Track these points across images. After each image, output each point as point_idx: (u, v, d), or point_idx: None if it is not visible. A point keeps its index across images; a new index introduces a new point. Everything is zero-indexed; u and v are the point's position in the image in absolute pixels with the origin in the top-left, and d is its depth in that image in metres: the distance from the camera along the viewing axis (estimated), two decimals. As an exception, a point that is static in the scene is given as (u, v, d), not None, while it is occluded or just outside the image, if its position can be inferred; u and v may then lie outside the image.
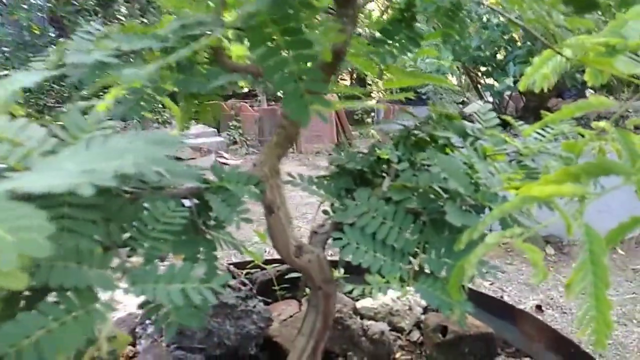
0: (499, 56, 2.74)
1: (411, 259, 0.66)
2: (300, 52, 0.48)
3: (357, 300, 1.13)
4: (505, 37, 2.61)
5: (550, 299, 1.89)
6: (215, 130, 5.38)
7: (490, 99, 3.17)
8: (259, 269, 1.18)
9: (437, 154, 0.72)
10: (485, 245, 0.58)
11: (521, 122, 0.90)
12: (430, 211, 0.71)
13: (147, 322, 0.87)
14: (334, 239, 0.66)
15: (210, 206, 0.63)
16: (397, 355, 0.96)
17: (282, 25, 0.48)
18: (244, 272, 1.15)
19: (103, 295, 0.44)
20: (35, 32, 5.00)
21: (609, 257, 2.32)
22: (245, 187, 0.63)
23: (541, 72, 0.93)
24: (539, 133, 0.87)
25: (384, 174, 0.83)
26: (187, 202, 0.63)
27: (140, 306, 0.48)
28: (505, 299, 1.86)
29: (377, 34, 0.77)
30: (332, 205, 0.78)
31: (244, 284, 0.93)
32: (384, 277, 0.64)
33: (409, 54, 0.77)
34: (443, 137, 0.87)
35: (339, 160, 0.84)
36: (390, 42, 0.76)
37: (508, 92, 2.79)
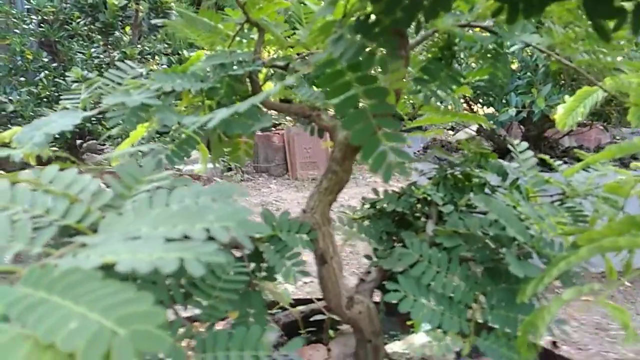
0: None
1: (470, 312, 0.63)
2: (376, 101, 0.46)
3: (386, 344, 1.08)
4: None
5: (565, 334, 1.85)
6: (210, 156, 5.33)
7: (487, 128, 3.17)
8: (280, 310, 1.13)
9: (489, 199, 0.70)
10: (561, 300, 0.55)
11: (559, 162, 0.89)
12: (483, 259, 0.68)
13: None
14: (389, 291, 0.63)
15: (261, 258, 0.59)
16: (435, 404, 0.91)
17: (358, 72, 0.46)
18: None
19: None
20: (28, 57, 4.96)
21: (616, 290, 2.31)
22: (297, 235, 0.60)
23: (578, 111, 0.93)
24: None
25: (423, 215, 0.81)
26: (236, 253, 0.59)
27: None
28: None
29: (418, 74, 0.75)
30: (375, 250, 0.75)
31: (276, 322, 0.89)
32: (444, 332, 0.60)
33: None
34: (481, 177, 0.85)
35: (377, 202, 0.81)
36: (432, 81, 0.74)
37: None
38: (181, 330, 0.42)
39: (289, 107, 0.70)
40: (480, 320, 0.64)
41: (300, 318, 1.10)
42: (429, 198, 0.82)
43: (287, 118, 7.76)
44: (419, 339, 1.06)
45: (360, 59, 0.47)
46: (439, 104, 0.90)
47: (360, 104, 0.45)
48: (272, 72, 0.78)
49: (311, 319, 1.11)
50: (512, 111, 2.49)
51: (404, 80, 0.62)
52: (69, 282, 0.27)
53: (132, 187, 0.48)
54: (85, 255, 0.31)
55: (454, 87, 0.74)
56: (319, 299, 1.19)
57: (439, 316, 0.61)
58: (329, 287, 0.63)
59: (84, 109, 0.70)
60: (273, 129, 6.37)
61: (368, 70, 0.47)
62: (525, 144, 0.91)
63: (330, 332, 1.15)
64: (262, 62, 0.71)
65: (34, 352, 0.24)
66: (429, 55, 0.77)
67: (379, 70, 0.56)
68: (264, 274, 0.59)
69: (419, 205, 0.82)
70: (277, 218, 0.61)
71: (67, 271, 0.28)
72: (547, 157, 0.89)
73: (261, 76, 0.79)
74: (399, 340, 1.11)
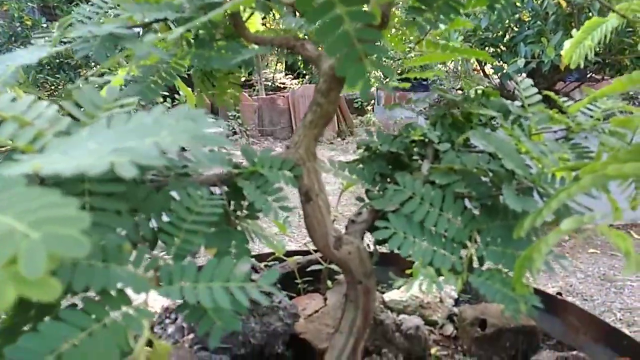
0: (507, 37, 2.67)
1: (465, 248, 0.60)
2: (354, 9, 0.41)
3: (384, 292, 1.06)
4: (514, 17, 2.54)
5: (570, 286, 1.83)
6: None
7: (496, 82, 3.09)
8: (277, 262, 1.12)
9: (487, 133, 0.66)
10: (559, 231, 0.51)
11: (565, 99, 0.84)
12: (480, 196, 0.65)
13: (167, 321, 0.81)
14: (378, 229, 0.59)
15: (241, 194, 0.56)
16: (433, 350, 0.90)
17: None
18: (263, 265, 1.09)
19: (135, 299, 0.37)
20: (27, 23, 4.88)
21: (625, 241, 2.27)
22: (279, 171, 0.57)
23: (586, 44, 0.87)
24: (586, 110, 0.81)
25: (420, 157, 0.77)
26: (216, 190, 0.56)
27: (179, 309, 0.41)
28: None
29: (412, 2, 0.69)
30: (367, 191, 0.72)
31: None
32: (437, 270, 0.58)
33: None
34: (483, 116, 0.80)
35: (371, 143, 0.77)
36: (428, 9, 0.68)
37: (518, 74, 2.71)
38: (145, 261, 0.39)
39: (272, 39, 0.66)
40: (475, 258, 0.61)
41: (296, 269, 1.08)
42: (425, 140, 0.78)
43: (294, 81, 7.62)
44: (416, 287, 1.04)
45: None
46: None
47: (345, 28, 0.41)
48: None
49: (308, 269, 1.09)
50: (521, 62, 2.40)
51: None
52: (-16, 187, 0.24)
53: (93, 115, 0.45)
54: (16, 165, 0.28)
55: (452, 16, 0.68)
56: (315, 251, 1.17)
57: (430, 253, 0.58)
58: (315, 226, 0.60)
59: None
60: (278, 92, 6.29)
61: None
62: (529, 81, 0.85)
63: (329, 282, 1.14)
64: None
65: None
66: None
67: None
68: (245, 212, 0.56)
69: (415, 147, 0.78)
70: (257, 154, 0.57)
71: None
72: (552, 93, 0.84)
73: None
74: (397, 289, 1.09)
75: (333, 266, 1.10)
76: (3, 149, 0.41)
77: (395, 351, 0.85)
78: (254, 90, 6.04)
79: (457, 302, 1.04)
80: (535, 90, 0.83)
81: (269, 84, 6.71)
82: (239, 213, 0.57)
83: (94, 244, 0.37)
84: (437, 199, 0.62)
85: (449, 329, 0.97)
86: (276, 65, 7.65)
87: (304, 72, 7.15)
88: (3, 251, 0.20)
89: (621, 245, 0.46)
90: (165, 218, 0.45)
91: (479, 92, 0.84)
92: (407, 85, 0.95)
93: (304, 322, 0.91)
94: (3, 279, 0.20)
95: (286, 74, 7.63)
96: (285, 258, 1.09)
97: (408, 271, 1.10)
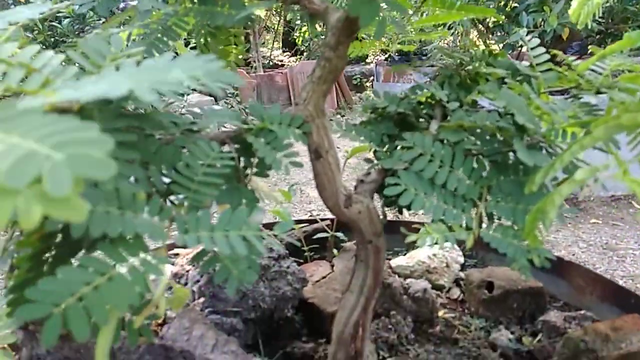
0: (509, 6, 2.63)
1: (476, 204, 0.60)
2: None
3: (390, 259, 1.07)
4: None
5: (573, 255, 1.85)
6: (213, 99, 5.25)
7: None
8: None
9: (497, 88, 0.65)
10: (573, 181, 0.51)
11: (573, 58, 0.83)
12: (490, 153, 0.64)
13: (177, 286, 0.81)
14: (389, 185, 0.59)
15: (251, 152, 0.55)
16: (440, 313, 0.91)
17: None
18: (269, 233, 1.09)
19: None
20: (21, 0, 4.79)
21: (625, 212, 2.28)
22: (289, 128, 0.56)
23: (594, 1, 0.85)
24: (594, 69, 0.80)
25: (428, 118, 0.76)
26: (225, 148, 0.55)
27: (194, 259, 0.41)
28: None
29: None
30: (375, 152, 0.71)
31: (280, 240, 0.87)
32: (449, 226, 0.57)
33: None
34: (490, 76, 0.79)
35: (378, 104, 0.76)
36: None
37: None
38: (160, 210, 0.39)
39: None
40: (485, 215, 0.61)
41: (303, 237, 1.09)
42: (433, 102, 0.77)
43: (291, 59, 7.53)
44: (423, 253, 1.05)
45: None
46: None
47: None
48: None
49: (314, 237, 1.10)
50: (523, 31, 2.36)
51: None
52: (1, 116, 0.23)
53: (100, 64, 0.44)
54: (30, 98, 0.27)
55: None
56: (322, 219, 1.17)
57: (441, 209, 0.58)
58: (325, 184, 0.60)
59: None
60: (275, 69, 6.22)
61: None
62: (537, 40, 0.84)
63: (335, 251, 1.14)
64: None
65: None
66: None
67: None
68: (255, 170, 0.56)
69: (422, 108, 0.78)
70: (266, 111, 0.56)
71: (1, 105, 0.24)
72: (559, 52, 0.82)
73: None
74: (403, 255, 1.10)
75: (339, 234, 1.10)
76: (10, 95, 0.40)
77: (403, 313, 0.86)
78: (252, 68, 5.97)
79: (463, 267, 1.05)
80: (543, 49, 0.82)
81: (266, 62, 6.64)
82: (248, 171, 0.56)
83: (108, 191, 0.36)
84: (447, 157, 0.61)
85: (456, 293, 0.97)
86: (273, 42, 7.56)
87: (302, 49, 7.07)
88: (27, 171, 0.20)
89: (637, 191, 0.45)
90: (177, 171, 0.45)
91: (486, 52, 0.83)
92: (413, 47, 0.94)
93: (312, 288, 0.91)
94: (28, 197, 0.20)
95: (284, 51, 7.55)
96: (293, 227, 1.09)
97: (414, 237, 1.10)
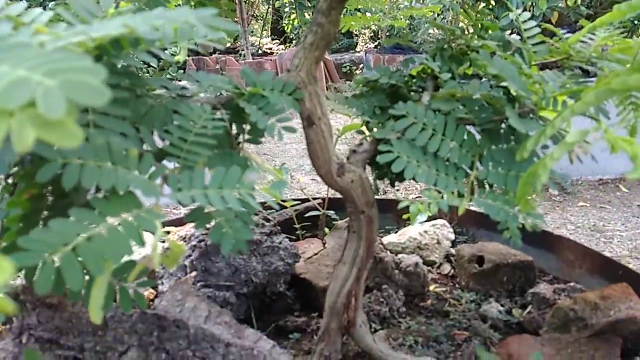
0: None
1: (467, 172, 0.60)
2: None
3: (382, 237, 1.07)
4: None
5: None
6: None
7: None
8: (274, 209, 1.12)
9: (491, 57, 0.65)
10: (565, 144, 0.51)
11: (564, 31, 0.83)
12: (482, 121, 0.64)
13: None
14: (381, 153, 0.59)
15: (243, 118, 0.55)
16: (432, 287, 0.91)
17: None
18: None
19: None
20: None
21: (613, 195, 2.32)
22: (281, 94, 0.56)
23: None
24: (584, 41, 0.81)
25: (420, 90, 0.76)
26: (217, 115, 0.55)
27: (188, 218, 0.41)
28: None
29: None
30: (367, 123, 0.71)
31: (267, 220, 0.87)
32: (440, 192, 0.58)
33: None
34: (482, 48, 0.79)
35: (371, 77, 0.76)
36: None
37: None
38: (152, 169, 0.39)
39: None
40: (476, 183, 0.61)
41: (294, 215, 1.08)
42: (424, 75, 0.77)
43: (280, 47, 7.46)
44: (414, 230, 1.05)
45: None
46: None
47: None
48: None
49: (306, 216, 1.10)
50: (513, 15, 2.37)
51: None
52: (-9, 47, 0.23)
53: (89, 21, 0.43)
54: (20, 33, 0.26)
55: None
56: (314, 198, 1.17)
57: (434, 176, 0.58)
58: (317, 152, 0.60)
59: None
60: (265, 57, 6.17)
61: None
62: (527, 14, 0.84)
63: (326, 230, 1.14)
64: None
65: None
66: None
67: None
68: (247, 137, 0.55)
69: (415, 82, 0.78)
70: (258, 77, 0.56)
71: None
72: (550, 26, 0.83)
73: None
74: (395, 233, 1.10)
75: (331, 212, 1.11)
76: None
77: (395, 287, 0.86)
78: (241, 56, 5.92)
79: (454, 244, 1.06)
80: (534, 23, 0.82)
81: (255, 50, 6.58)
82: (241, 138, 0.56)
83: (100, 145, 0.36)
84: (439, 125, 0.62)
85: (447, 268, 0.98)
86: (262, 31, 7.49)
87: (291, 36, 7.02)
88: (19, 94, 0.19)
89: (628, 149, 0.46)
90: (168, 132, 0.44)
91: (478, 25, 0.83)
92: (404, 23, 0.94)
93: (304, 264, 0.92)
94: (22, 120, 0.19)
95: (273, 39, 7.49)
96: (285, 205, 1.09)
97: (405, 216, 1.11)
